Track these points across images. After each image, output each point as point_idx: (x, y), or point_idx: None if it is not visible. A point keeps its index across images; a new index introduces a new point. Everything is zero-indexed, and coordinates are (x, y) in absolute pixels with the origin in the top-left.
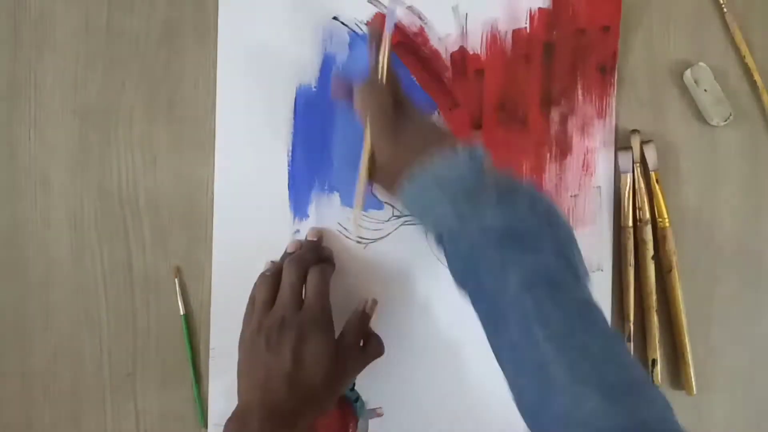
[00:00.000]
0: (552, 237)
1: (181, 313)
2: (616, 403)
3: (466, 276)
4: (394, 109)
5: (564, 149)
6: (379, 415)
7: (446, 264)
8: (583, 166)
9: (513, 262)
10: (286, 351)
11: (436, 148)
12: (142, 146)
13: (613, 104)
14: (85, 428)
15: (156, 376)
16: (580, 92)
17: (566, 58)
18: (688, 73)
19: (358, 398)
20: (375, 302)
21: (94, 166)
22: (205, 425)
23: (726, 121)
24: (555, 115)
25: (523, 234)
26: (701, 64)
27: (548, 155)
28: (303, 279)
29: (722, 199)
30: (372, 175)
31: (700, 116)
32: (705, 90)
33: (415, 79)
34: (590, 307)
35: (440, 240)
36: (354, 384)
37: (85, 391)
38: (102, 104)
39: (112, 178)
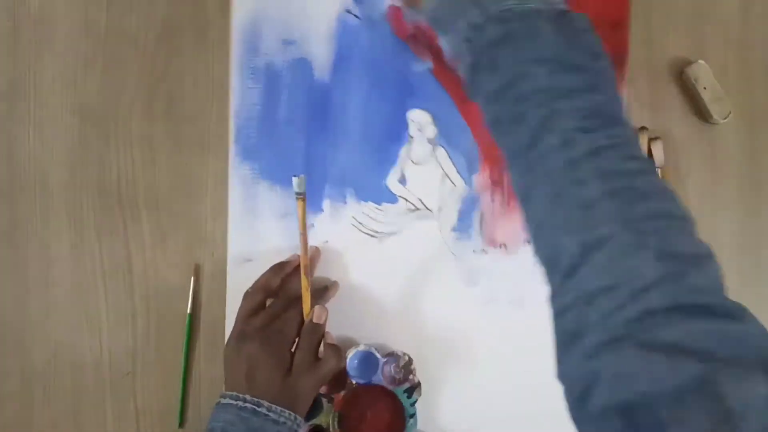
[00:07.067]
0: (604, 73)
1: (188, 312)
2: (675, 274)
3: (497, 73)
4: None
5: None
6: None
7: (458, 254)
8: None
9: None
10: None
11: None
12: (142, 145)
13: (624, 98)
14: (85, 428)
15: (156, 375)
16: None
17: None
18: (687, 71)
19: (413, 415)
20: (323, 309)
21: (94, 165)
22: (182, 425)
23: (725, 118)
24: None
25: (576, 66)
26: (701, 62)
27: None
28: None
29: (722, 196)
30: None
31: (699, 114)
32: (704, 88)
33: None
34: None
35: (468, 47)
36: (417, 399)
37: (85, 391)
38: (101, 103)
39: (111, 177)
